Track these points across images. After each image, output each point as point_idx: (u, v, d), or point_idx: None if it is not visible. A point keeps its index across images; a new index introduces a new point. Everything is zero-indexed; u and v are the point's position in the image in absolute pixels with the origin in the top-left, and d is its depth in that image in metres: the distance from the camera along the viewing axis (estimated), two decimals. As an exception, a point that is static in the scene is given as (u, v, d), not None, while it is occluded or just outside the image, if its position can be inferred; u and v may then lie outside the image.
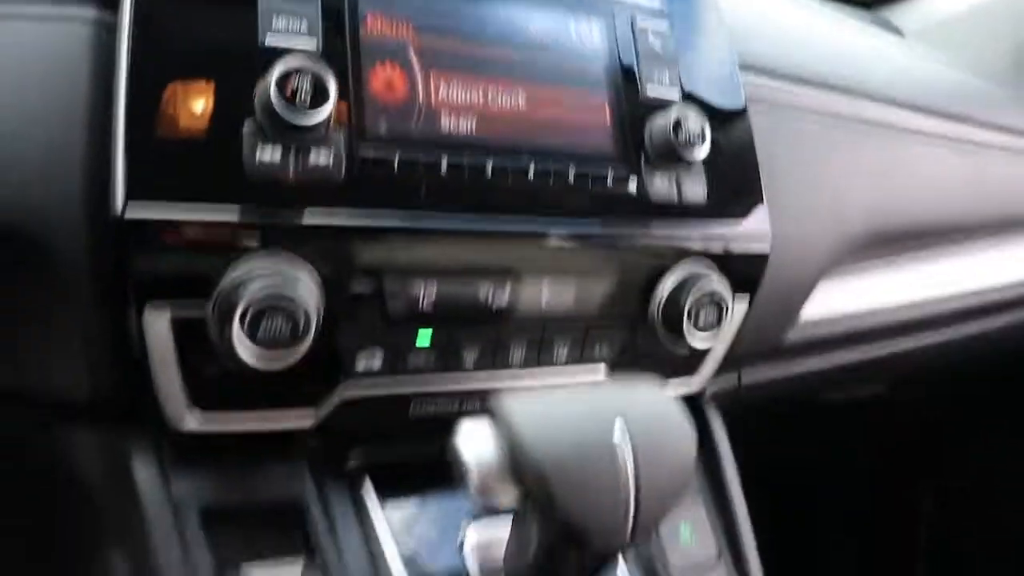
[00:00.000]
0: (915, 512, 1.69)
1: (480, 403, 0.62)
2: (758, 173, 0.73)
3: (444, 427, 0.56)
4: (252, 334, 0.51)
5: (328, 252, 0.55)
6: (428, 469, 0.67)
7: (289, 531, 0.59)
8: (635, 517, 0.50)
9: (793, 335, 0.86)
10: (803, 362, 0.92)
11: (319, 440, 0.63)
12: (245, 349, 0.51)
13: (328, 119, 0.53)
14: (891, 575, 1.73)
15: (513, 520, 0.57)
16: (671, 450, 0.52)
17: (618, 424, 0.51)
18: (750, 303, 0.74)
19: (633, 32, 0.69)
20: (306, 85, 0.52)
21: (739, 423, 0.85)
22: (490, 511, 0.65)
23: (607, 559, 0.53)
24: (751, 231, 0.72)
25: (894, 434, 1.57)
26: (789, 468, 1.17)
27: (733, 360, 0.79)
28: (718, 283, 0.67)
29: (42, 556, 0.75)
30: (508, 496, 0.50)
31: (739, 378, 0.86)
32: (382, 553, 0.61)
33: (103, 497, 0.60)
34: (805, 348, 0.90)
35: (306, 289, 0.52)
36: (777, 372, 0.90)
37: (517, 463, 0.49)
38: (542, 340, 0.64)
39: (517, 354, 0.64)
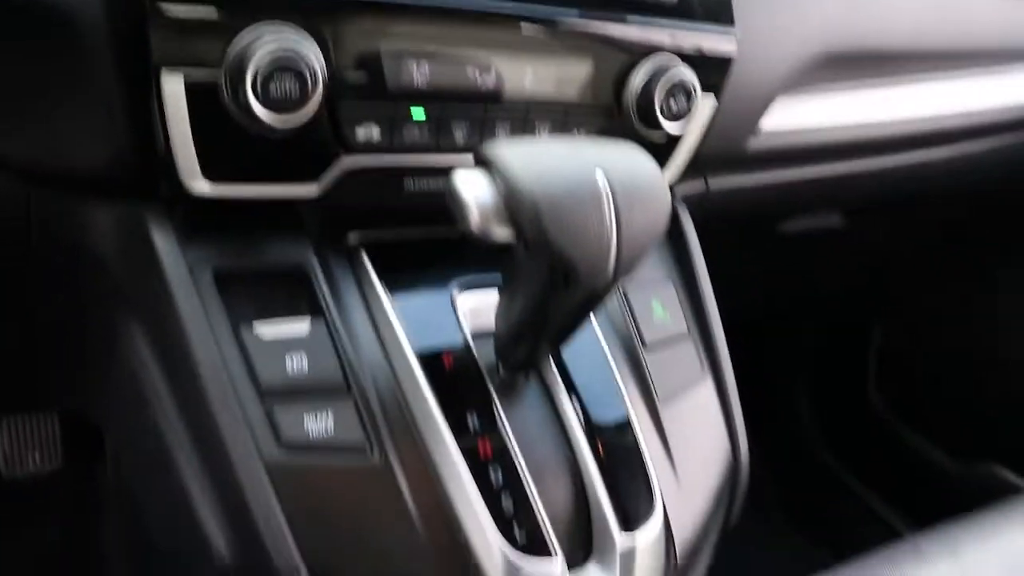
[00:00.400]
0: (866, 340, 1.82)
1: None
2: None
3: (436, 206, 0.62)
4: (264, 94, 0.55)
5: (329, 24, 0.58)
6: (421, 249, 0.73)
7: (295, 294, 0.65)
8: (617, 255, 0.56)
9: (754, 144, 0.91)
10: (764, 174, 0.98)
11: (319, 219, 0.67)
12: (258, 108, 0.55)
13: None
14: (842, 398, 1.87)
15: (504, 275, 0.63)
16: (647, 198, 0.58)
17: (599, 173, 0.57)
18: (717, 102, 0.79)
19: None
20: None
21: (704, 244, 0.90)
22: (477, 283, 0.72)
23: (593, 298, 0.59)
24: (720, 34, 0.76)
25: (849, 267, 1.67)
26: (750, 295, 1.25)
27: (700, 164, 0.84)
28: (687, 74, 0.72)
29: (62, 331, 0.80)
30: (504, 233, 0.55)
31: (706, 183, 0.92)
32: (383, 313, 0.66)
33: (120, 268, 0.65)
34: (766, 159, 0.96)
35: (311, 52, 0.56)
36: (740, 181, 0.96)
37: (513, 202, 0.54)
38: (525, 121, 0.69)
39: (503, 133, 0.68)
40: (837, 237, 1.38)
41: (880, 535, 1.13)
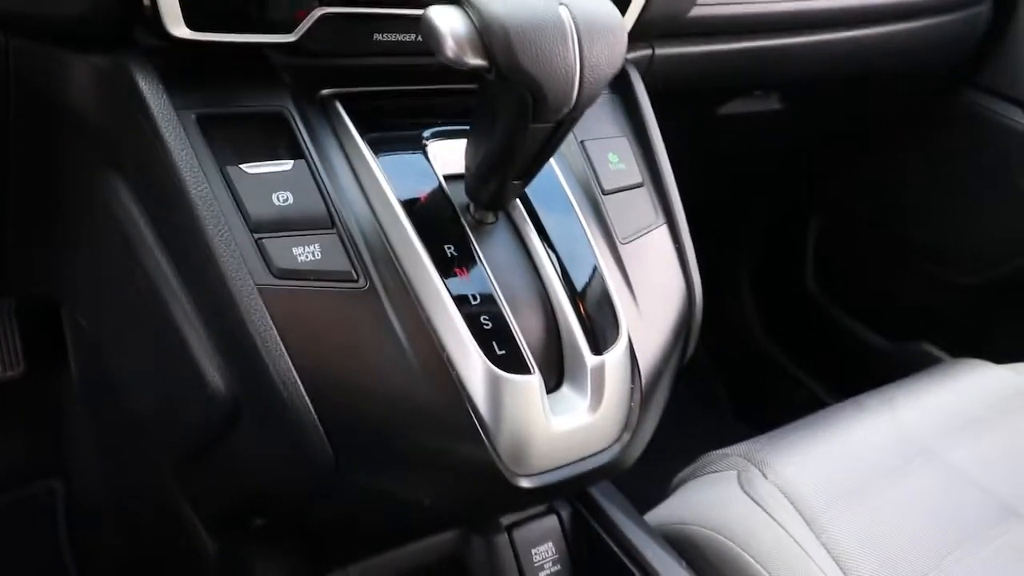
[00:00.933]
0: (804, 230, 1.91)
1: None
2: None
3: (402, 65, 0.67)
4: None
5: None
6: (390, 104, 0.76)
7: (276, 138, 0.68)
8: (580, 83, 0.61)
9: (697, 12, 0.96)
10: (704, 46, 1.04)
11: (294, 72, 0.70)
12: None
13: None
14: (782, 287, 1.97)
15: (472, 120, 0.67)
16: (606, 33, 0.62)
17: (563, 9, 0.61)
18: None
19: None
20: None
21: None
22: (445, 134, 0.75)
23: (557, 129, 0.64)
24: None
25: (787, 152, 1.74)
26: (694, 179, 1.31)
27: (646, 29, 0.88)
28: None
29: (32, 199, 0.82)
30: (477, 61, 0.59)
31: (652, 51, 0.96)
32: (360, 156, 0.70)
33: (103, 117, 0.67)
34: (707, 28, 1.00)
35: None
36: (683, 50, 1.00)
37: (486, 31, 0.58)
38: None
39: None
40: (774, 120, 1.44)
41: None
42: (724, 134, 1.47)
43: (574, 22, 0.60)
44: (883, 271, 1.84)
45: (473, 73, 0.60)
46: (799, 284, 1.95)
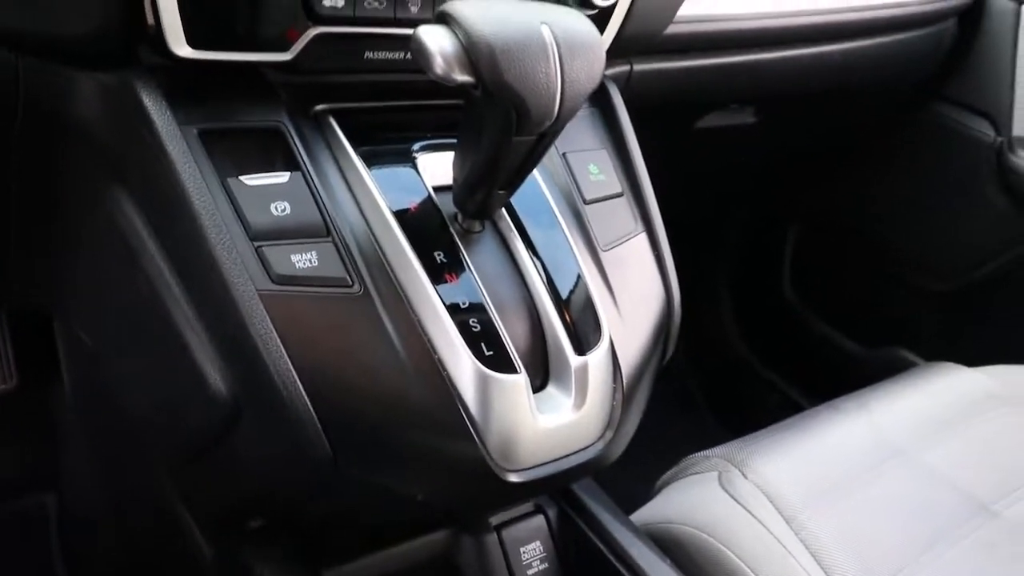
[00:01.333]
0: (782, 239, 1.95)
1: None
2: None
3: (392, 81, 0.71)
4: None
5: None
6: (381, 118, 0.79)
7: (273, 152, 0.71)
8: (561, 97, 0.64)
9: (672, 30, 1.00)
10: (682, 60, 1.08)
11: (290, 90, 0.74)
12: None
13: None
14: (760, 295, 2.01)
15: (458, 134, 0.70)
16: (585, 50, 0.66)
17: (545, 28, 0.64)
18: None
19: None
20: None
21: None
22: (433, 146, 0.79)
23: (540, 141, 0.67)
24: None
25: (763, 165, 1.79)
26: (673, 193, 1.35)
27: (624, 46, 0.92)
28: None
29: (33, 212, 0.84)
30: (464, 77, 0.62)
31: (631, 67, 1.00)
32: (353, 168, 0.73)
33: (108, 132, 0.70)
34: (682, 45, 1.05)
35: None
36: (661, 66, 1.05)
37: (473, 49, 0.61)
38: None
39: None
40: (749, 133, 1.49)
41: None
42: (702, 147, 1.52)
43: (555, 40, 0.64)
44: (859, 279, 1.89)
45: (460, 89, 0.63)
46: (777, 292, 1.99)
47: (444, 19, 0.63)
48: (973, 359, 1.34)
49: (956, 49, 1.53)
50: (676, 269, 0.91)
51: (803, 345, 1.97)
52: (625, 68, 1.00)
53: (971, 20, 1.51)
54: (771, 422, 1.19)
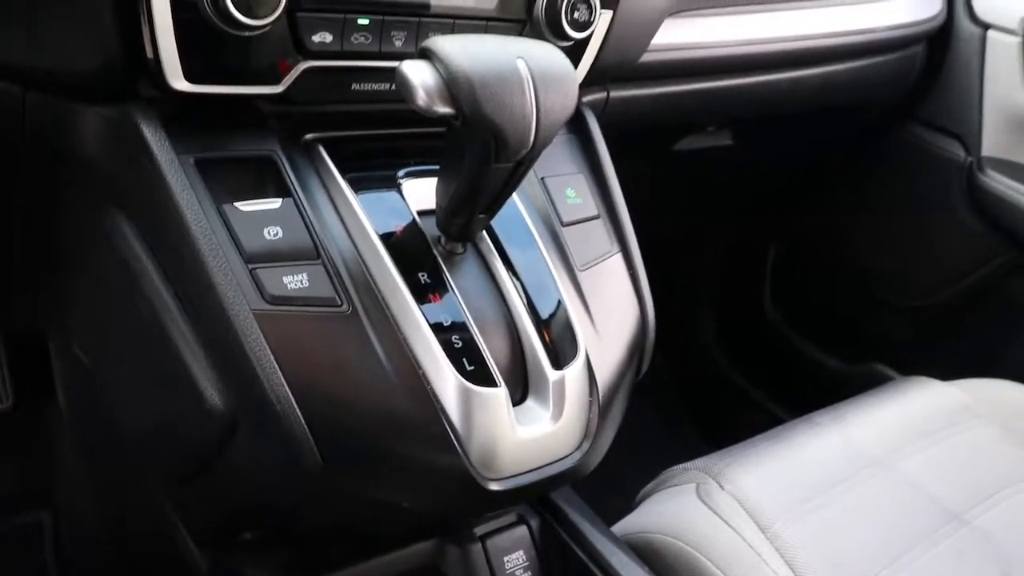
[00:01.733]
0: (763, 257, 2.00)
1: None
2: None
3: (378, 111, 0.75)
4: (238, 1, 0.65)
5: None
6: (367, 147, 0.84)
7: (265, 180, 0.75)
8: (537, 127, 0.69)
9: (647, 58, 1.05)
10: (656, 87, 1.12)
11: (281, 120, 0.78)
12: (234, 11, 0.65)
13: None
14: (741, 312, 2.06)
15: (440, 161, 0.74)
16: (560, 83, 0.71)
17: (521, 62, 0.69)
18: (612, 19, 0.91)
19: None
20: None
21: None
22: (416, 172, 0.83)
23: (517, 168, 0.72)
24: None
25: (741, 186, 1.84)
26: (653, 215, 1.40)
27: (601, 74, 0.97)
28: None
29: (33, 240, 0.88)
30: (445, 109, 0.67)
31: (607, 93, 1.05)
32: (342, 194, 0.77)
33: (109, 162, 0.74)
34: (657, 73, 1.09)
35: None
36: (637, 92, 1.09)
37: (453, 83, 0.66)
38: (452, 31, 0.80)
39: None
40: (727, 155, 1.54)
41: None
42: (680, 167, 1.56)
43: (531, 74, 0.69)
44: (836, 296, 1.93)
45: (442, 119, 0.68)
46: (758, 308, 2.04)
47: (426, 54, 0.68)
48: (948, 373, 1.37)
49: (926, 72, 1.58)
50: (657, 286, 0.95)
51: (783, 360, 2.02)
52: (602, 95, 1.04)
53: (940, 44, 1.56)
54: (751, 435, 1.23)
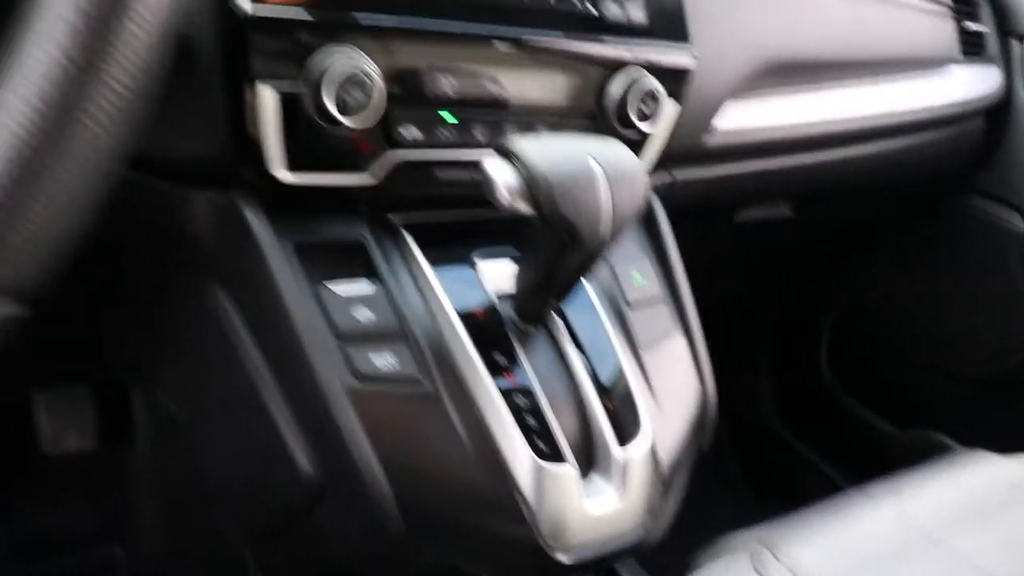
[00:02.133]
0: (819, 322, 2.02)
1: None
2: (683, 6, 0.95)
3: (461, 194, 0.81)
4: (339, 102, 0.72)
5: (381, 46, 0.75)
6: (447, 229, 0.89)
7: (356, 262, 0.81)
8: (610, 223, 0.74)
9: (711, 141, 1.09)
10: (720, 167, 1.17)
11: (371, 203, 0.84)
12: (334, 112, 0.72)
13: None
14: (798, 376, 2.07)
15: (525, 239, 0.80)
16: (630, 180, 0.76)
17: (593, 163, 0.74)
18: (679, 106, 0.96)
19: None
20: None
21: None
22: (492, 254, 0.89)
23: (590, 258, 0.77)
24: (679, 50, 0.94)
25: (800, 255, 1.87)
26: (713, 283, 1.44)
27: (666, 159, 1.02)
28: (654, 83, 0.90)
29: (136, 303, 0.95)
30: (525, 207, 0.72)
31: (672, 177, 1.10)
32: (425, 277, 0.83)
33: (215, 243, 0.80)
34: (720, 154, 1.14)
35: (372, 68, 0.73)
36: (700, 173, 1.14)
37: (533, 183, 0.72)
38: (528, 123, 0.86)
39: (512, 133, 0.85)
40: (787, 226, 1.57)
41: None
42: (739, 238, 1.60)
43: (604, 173, 0.74)
44: (893, 363, 1.94)
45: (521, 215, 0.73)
46: (815, 372, 2.05)
47: (506, 153, 0.74)
48: (1006, 445, 1.38)
49: (986, 144, 1.60)
50: (714, 349, 0.99)
51: (839, 424, 2.02)
52: (667, 179, 1.09)
53: (999, 117, 1.58)
54: (807, 498, 1.24)
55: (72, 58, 0.50)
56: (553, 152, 0.74)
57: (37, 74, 0.50)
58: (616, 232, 0.75)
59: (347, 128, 0.73)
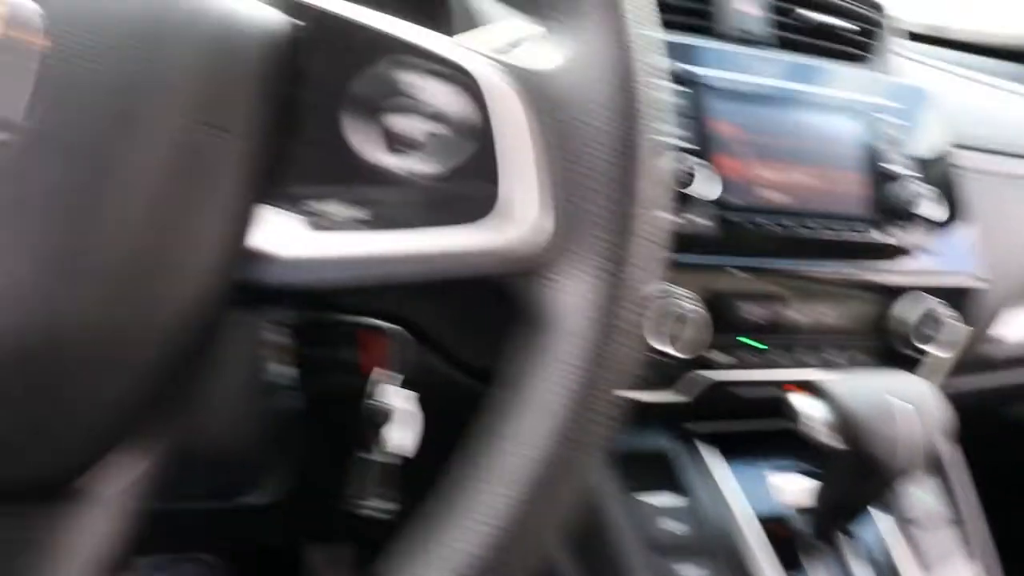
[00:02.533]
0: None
1: (782, 390, 0.89)
2: (967, 229, 1.00)
3: (764, 407, 0.86)
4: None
5: (698, 282, 0.84)
6: (741, 439, 0.95)
7: (660, 474, 0.88)
8: (912, 457, 0.78)
9: (987, 350, 1.11)
10: (998, 375, 1.17)
11: (669, 417, 0.91)
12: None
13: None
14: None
15: (828, 467, 0.84)
16: (929, 416, 0.80)
17: (896, 401, 0.79)
18: (965, 326, 0.99)
19: (876, 126, 0.97)
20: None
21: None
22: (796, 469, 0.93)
23: (891, 485, 0.81)
24: (968, 272, 0.98)
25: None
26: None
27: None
28: (940, 307, 0.94)
29: None
30: (835, 440, 0.78)
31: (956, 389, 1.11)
32: (729, 490, 0.89)
33: None
34: (998, 362, 1.15)
35: (694, 305, 0.82)
36: (979, 382, 1.15)
37: (845, 422, 0.78)
38: (820, 346, 0.92)
39: (806, 355, 0.92)
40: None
41: None
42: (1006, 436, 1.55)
43: (906, 410, 0.79)
44: None
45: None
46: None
47: (816, 391, 0.80)
48: None
49: None
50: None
51: None
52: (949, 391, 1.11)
53: None
54: None
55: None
56: (859, 391, 0.80)
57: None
58: (919, 466, 0.79)
59: (672, 356, 0.82)
